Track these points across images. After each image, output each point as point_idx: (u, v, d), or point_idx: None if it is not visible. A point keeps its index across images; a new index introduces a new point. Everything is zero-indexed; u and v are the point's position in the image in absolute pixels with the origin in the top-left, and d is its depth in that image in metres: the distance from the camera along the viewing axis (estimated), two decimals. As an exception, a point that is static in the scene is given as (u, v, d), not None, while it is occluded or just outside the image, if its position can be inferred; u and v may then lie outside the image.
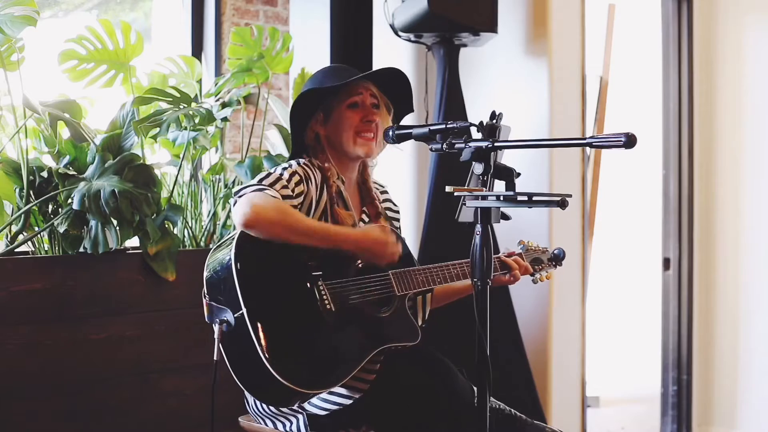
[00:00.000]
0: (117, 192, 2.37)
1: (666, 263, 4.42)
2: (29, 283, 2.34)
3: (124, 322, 2.52)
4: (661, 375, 4.46)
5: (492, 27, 3.24)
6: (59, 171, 2.49)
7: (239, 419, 2.26)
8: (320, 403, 2.05)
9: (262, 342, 1.83)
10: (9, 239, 2.49)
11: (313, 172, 2.10)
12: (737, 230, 4.22)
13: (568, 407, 3.73)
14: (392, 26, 3.36)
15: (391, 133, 2.00)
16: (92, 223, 2.42)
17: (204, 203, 2.99)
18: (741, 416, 4.20)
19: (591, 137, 1.66)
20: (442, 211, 3.28)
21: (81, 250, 2.49)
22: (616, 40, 4.69)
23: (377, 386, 2.03)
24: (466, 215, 1.78)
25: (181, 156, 2.84)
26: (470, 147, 1.79)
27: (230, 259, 1.90)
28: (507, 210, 1.83)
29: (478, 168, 1.78)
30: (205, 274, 1.98)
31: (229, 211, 2.87)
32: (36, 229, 2.53)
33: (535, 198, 1.68)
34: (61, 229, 2.49)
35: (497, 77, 3.77)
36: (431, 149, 1.91)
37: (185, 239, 2.87)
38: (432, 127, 1.92)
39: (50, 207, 2.54)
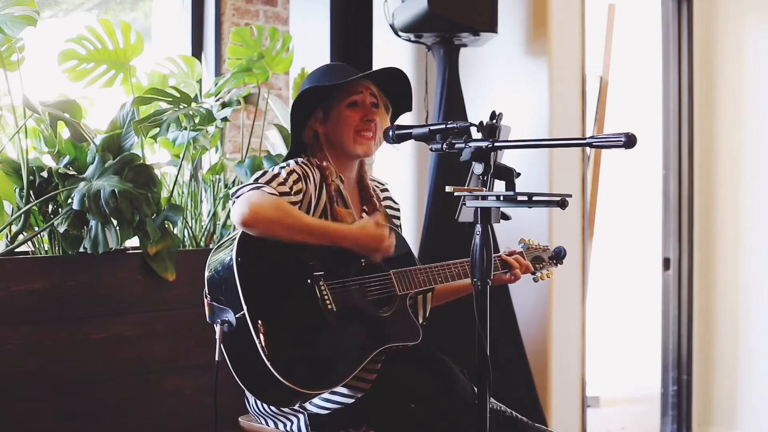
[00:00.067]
0: (117, 192, 2.37)
1: (666, 263, 4.42)
2: (29, 283, 2.34)
3: (124, 322, 2.52)
4: (661, 375, 4.46)
5: (492, 27, 3.24)
6: (59, 171, 2.49)
7: (240, 419, 2.26)
8: (321, 403, 2.05)
9: (264, 342, 1.83)
10: (9, 239, 2.49)
11: (311, 171, 2.10)
12: (737, 230, 4.22)
13: (568, 407, 3.73)
14: (392, 26, 3.36)
15: (391, 133, 2.00)
16: (92, 223, 2.42)
17: (204, 203, 2.99)
18: (741, 416, 4.21)
19: (591, 137, 1.66)
20: (442, 211, 3.28)
21: (81, 250, 2.49)
22: (616, 40, 4.69)
23: (378, 386, 2.03)
24: (466, 215, 1.78)
25: (181, 156, 2.84)
26: (470, 147, 1.79)
27: (231, 259, 1.90)
28: (507, 210, 1.83)
29: (478, 168, 1.78)
30: (207, 274, 1.98)
31: (229, 210, 2.87)
32: (36, 229, 2.53)
33: (535, 198, 1.68)
34: (61, 229, 2.49)
35: (497, 77, 3.77)
36: (431, 149, 1.91)
37: (185, 239, 2.87)
38: (432, 127, 1.92)
39: (50, 207, 2.54)
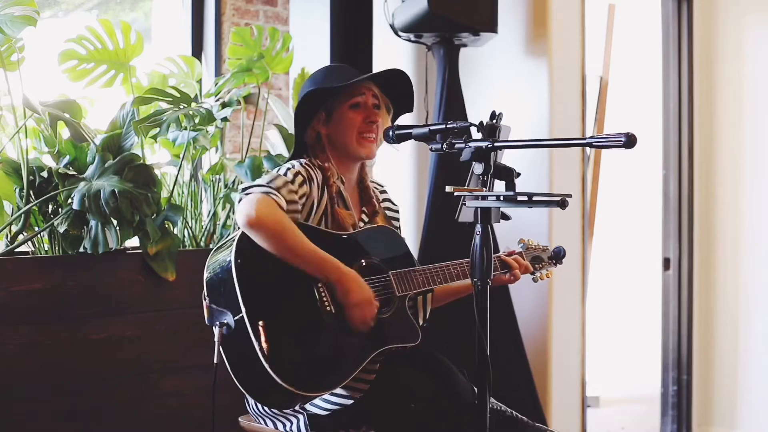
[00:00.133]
0: (117, 192, 2.37)
1: (666, 263, 4.42)
2: (29, 283, 2.34)
3: (124, 322, 2.52)
4: (661, 375, 4.46)
5: (492, 27, 3.24)
6: (59, 171, 2.49)
7: (239, 419, 2.26)
8: (321, 404, 2.05)
9: (263, 344, 1.83)
10: (9, 239, 2.49)
11: (314, 172, 2.10)
12: (737, 230, 4.22)
13: (568, 407, 3.73)
14: (392, 26, 3.36)
15: (391, 133, 2.00)
16: (92, 223, 2.42)
17: (204, 203, 2.99)
18: (741, 416, 4.20)
19: (591, 137, 1.66)
20: (442, 211, 3.28)
21: (81, 250, 2.49)
22: (616, 40, 4.69)
23: (377, 387, 2.03)
24: (466, 215, 1.78)
25: (181, 156, 2.84)
26: (470, 147, 1.79)
27: (230, 261, 1.90)
28: (507, 210, 1.83)
29: (478, 168, 1.78)
30: (205, 275, 1.98)
31: (229, 211, 2.87)
32: (36, 229, 2.53)
33: (535, 198, 1.68)
34: (61, 229, 2.49)
35: (497, 77, 3.77)
36: (431, 149, 1.91)
37: (185, 239, 2.87)
38: (432, 127, 1.92)
39: (50, 207, 2.54)
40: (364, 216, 2.23)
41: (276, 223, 1.91)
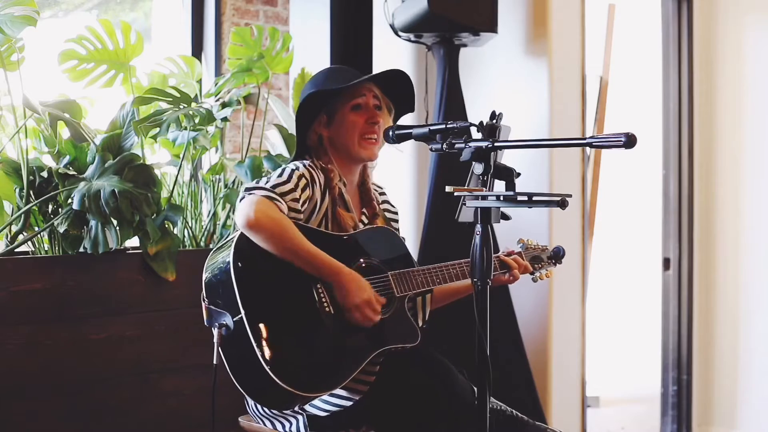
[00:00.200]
0: (117, 192, 2.37)
1: (666, 263, 4.42)
2: (29, 283, 2.34)
3: (124, 322, 2.52)
4: (661, 375, 4.46)
5: (492, 27, 3.24)
6: (59, 171, 2.49)
7: (239, 419, 2.26)
8: (320, 404, 2.05)
9: (262, 346, 1.83)
10: (9, 239, 2.49)
11: (317, 175, 2.10)
12: (737, 230, 4.22)
13: (568, 407, 3.73)
14: (392, 26, 3.36)
15: (391, 133, 2.00)
16: (92, 223, 2.42)
17: (204, 203, 2.99)
18: (741, 416, 4.20)
19: (591, 137, 1.66)
20: (442, 211, 3.28)
21: (81, 250, 2.49)
22: (616, 40, 4.68)
23: (377, 387, 2.03)
24: (466, 215, 1.78)
25: (181, 156, 2.84)
26: (470, 147, 1.79)
27: (229, 262, 1.90)
28: (507, 210, 1.83)
29: (478, 168, 1.78)
30: (204, 276, 1.98)
31: (229, 211, 2.87)
32: (36, 229, 2.53)
33: (535, 198, 1.68)
34: (61, 229, 2.49)
35: (497, 77, 3.76)
36: (431, 149, 1.91)
37: (185, 239, 2.87)
38: (432, 127, 1.92)
39: (50, 207, 2.54)
40: (364, 218, 2.23)
41: (275, 224, 1.91)
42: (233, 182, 2.96)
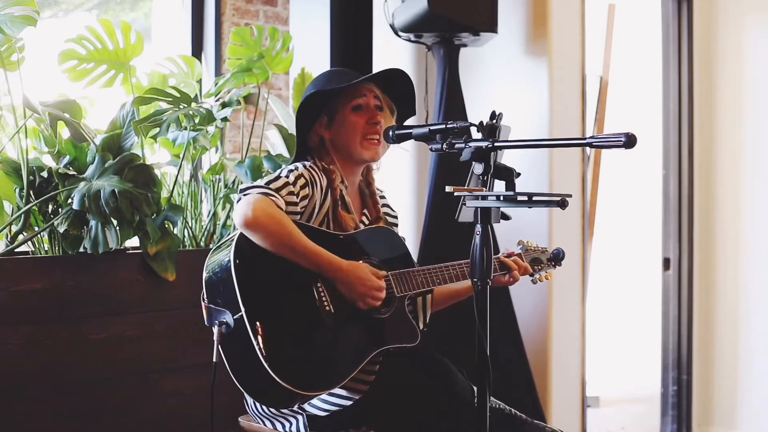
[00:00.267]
0: (117, 192, 2.37)
1: (666, 263, 4.42)
2: (29, 283, 2.34)
3: (124, 322, 2.52)
4: (661, 375, 4.46)
5: (492, 27, 3.24)
6: (59, 171, 2.49)
7: (239, 419, 2.26)
8: (320, 404, 2.05)
9: (261, 344, 1.83)
10: (9, 239, 2.49)
11: (318, 175, 2.10)
12: (737, 230, 4.22)
13: (568, 407, 3.73)
14: (392, 26, 3.36)
15: (391, 133, 2.00)
16: (92, 223, 2.42)
17: (204, 203, 2.99)
18: (741, 416, 4.20)
19: (591, 137, 1.66)
20: (442, 211, 3.28)
21: (81, 250, 2.49)
22: (616, 40, 4.69)
23: (377, 387, 2.03)
24: (466, 215, 1.78)
25: (181, 156, 2.84)
26: (470, 147, 1.79)
27: (229, 260, 1.90)
28: (507, 210, 1.83)
29: (478, 168, 1.78)
30: (204, 275, 1.98)
31: (229, 210, 2.87)
32: (36, 229, 2.53)
33: (535, 198, 1.68)
34: (61, 229, 2.49)
35: (497, 77, 3.77)
36: (431, 149, 1.91)
37: (185, 239, 2.87)
38: (432, 127, 1.92)
39: (50, 207, 2.54)
40: (364, 219, 2.23)
41: (273, 221, 1.91)
42: (233, 182, 2.96)
